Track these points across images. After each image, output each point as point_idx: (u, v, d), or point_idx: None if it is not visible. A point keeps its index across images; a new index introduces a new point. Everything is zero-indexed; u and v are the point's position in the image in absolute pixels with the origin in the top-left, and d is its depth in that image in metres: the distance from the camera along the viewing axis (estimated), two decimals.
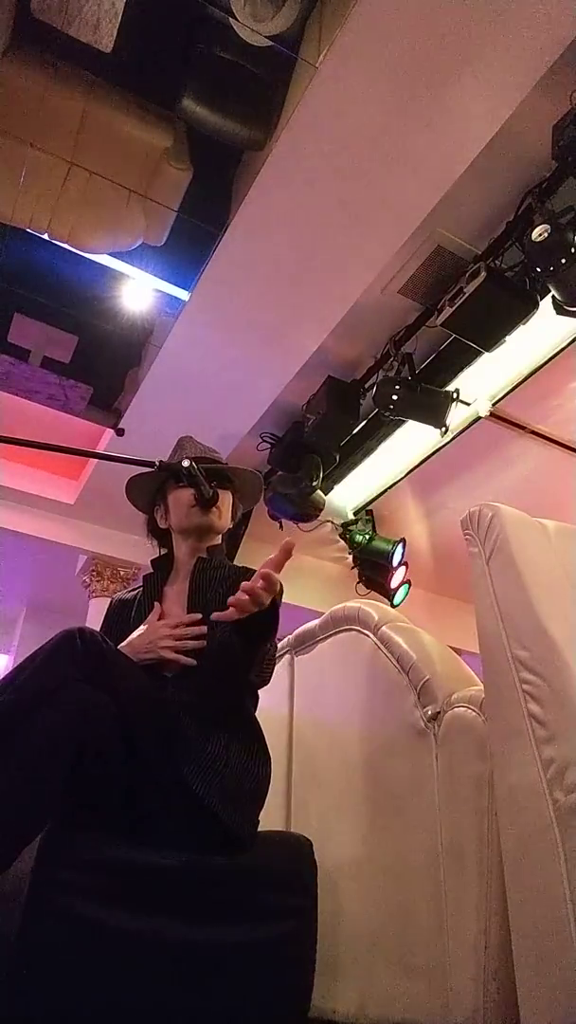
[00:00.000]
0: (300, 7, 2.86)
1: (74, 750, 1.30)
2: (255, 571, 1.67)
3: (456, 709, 1.49)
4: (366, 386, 4.27)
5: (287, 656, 2.13)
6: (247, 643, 1.45)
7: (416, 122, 2.97)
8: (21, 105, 3.15)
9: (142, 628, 1.62)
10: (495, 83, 2.82)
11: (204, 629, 1.56)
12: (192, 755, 1.44)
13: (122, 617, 1.72)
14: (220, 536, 1.77)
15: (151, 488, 1.78)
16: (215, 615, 1.37)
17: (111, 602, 1.80)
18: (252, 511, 4.89)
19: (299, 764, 2.01)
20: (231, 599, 1.34)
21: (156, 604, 1.67)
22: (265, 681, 1.59)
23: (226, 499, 1.73)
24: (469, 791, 1.41)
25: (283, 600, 1.71)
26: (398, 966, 1.49)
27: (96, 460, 5.08)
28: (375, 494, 5.32)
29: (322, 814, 1.85)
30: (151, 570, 1.83)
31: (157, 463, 1.57)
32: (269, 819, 1.60)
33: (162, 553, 1.81)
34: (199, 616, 1.58)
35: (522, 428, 4.60)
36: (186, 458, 1.62)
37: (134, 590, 1.79)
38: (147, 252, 3.73)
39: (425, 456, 4.81)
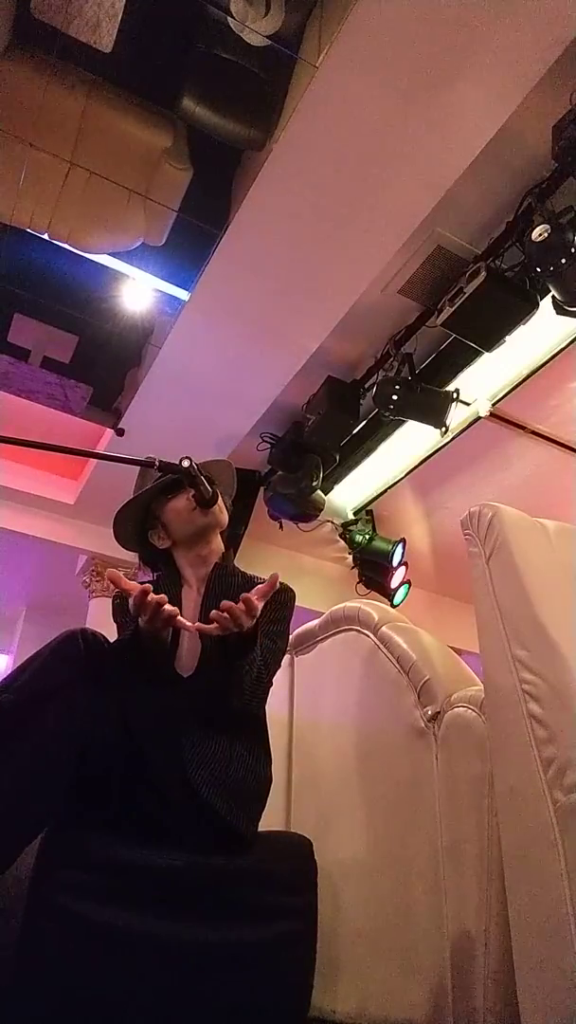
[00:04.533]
0: (293, 7, 2.86)
1: (76, 750, 1.30)
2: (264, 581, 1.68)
3: (456, 709, 1.50)
4: (366, 386, 4.27)
5: (287, 656, 2.13)
6: (228, 662, 1.44)
7: (416, 122, 2.97)
8: (21, 105, 3.15)
9: None
10: (495, 83, 2.82)
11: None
12: (195, 755, 1.44)
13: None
14: (222, 537, 1.76)
15: (139, 514, 1.72)
16: (196, 626, 1.38)
17: (118, 598, 1.67)
18: (252, 511, 4.90)
19: (299, 764, 2.01)
20: (212, 612, 1.34)
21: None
22: (248, 703, 1.52)
23: (218, 494, 1.71)
24: (469, 791, 1.41)
25: None
26: (398, 966, 1.49)
27: (96, 460, 5.08)
28: (375, 494, 5.32)
29: (322, 814, 1.85)
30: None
31: (156, 462, 1.56)
32: (269, 819, 1.60)
33: (159, 575, 1.73)
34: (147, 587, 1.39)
35: (522, 428, 4.61)
36: (184, 458, 1.60)
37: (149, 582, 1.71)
38: (147, 252, 3.72)
39: (425, 456, 4.81)
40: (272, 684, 1.60)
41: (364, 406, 4.35)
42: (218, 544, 1.73)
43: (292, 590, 1.70)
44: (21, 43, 3.06)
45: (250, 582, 1.68)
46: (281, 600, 1.65)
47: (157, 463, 1.54)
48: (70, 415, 4.52)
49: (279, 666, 1.64)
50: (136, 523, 1.73)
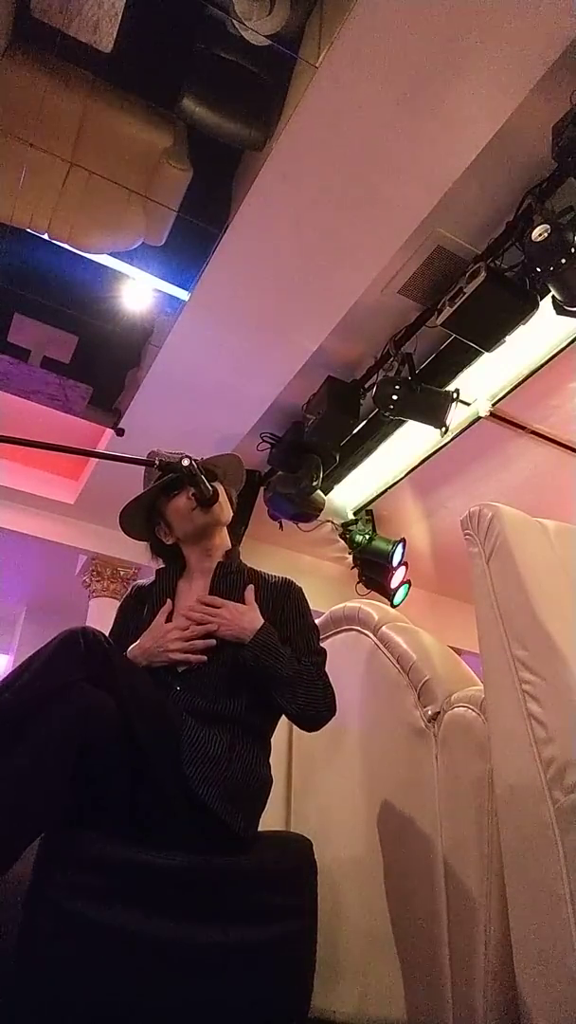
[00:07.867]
0: (295, 6, 2.86)
1: (76, 750, 1.30)
2: (269, 576, 1.72)
3: (456, 709, 1.50)
4: (366, 386, 4.27)
5: None
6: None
7: (416, 122, 2.97)
8: (21, 105, 3.15)
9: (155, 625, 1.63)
10: (495, 83, 2.82)
11: (212, 628, 1.57)
12: (194, 756, 1.44)
13: (138, 605, 1.72)
14: (226, 531, 1.77)
15: (143, 512, 1.75)
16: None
17: (130, 589, 1.80)
18: (252, 512, 4.90)
19: (299, 764, 2.01)
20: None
21: (168, 601, 1.66)
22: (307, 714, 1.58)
23: (220, 491, 1.72)
24: (469, 791, 1.41)
25: None
26: (398, 966, 1.49)
27: (96, 460, 5.08)
28: (375, 494, 5.32)
29: (322, 814, 1.85)
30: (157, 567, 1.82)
31: (156, 461, 1.57)
32: (269, 819, 1.60)
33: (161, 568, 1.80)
34: (207, 611, 1.60)
35: (522, 428, 4.60)
36: (183, 457, 1.61)
37: (153, 581, 1.78)
38: (147, 252, 3.72)
39: (425, 456, 4.81)
40: (331, 687, 1.60)
41: (364, 406, 4.34)
42: (223, 540, 1.74)
43: (292, 582, 1.71)
44: (21, 43, 3.05)
45: (255, 577, 1.69)
46: (278, 594, 1.66)
47: (157, 462, 1.55)
48: (70, 415, 4.52)
49: (319, 655, 1.64)
50: (143, 518, 1.77)
